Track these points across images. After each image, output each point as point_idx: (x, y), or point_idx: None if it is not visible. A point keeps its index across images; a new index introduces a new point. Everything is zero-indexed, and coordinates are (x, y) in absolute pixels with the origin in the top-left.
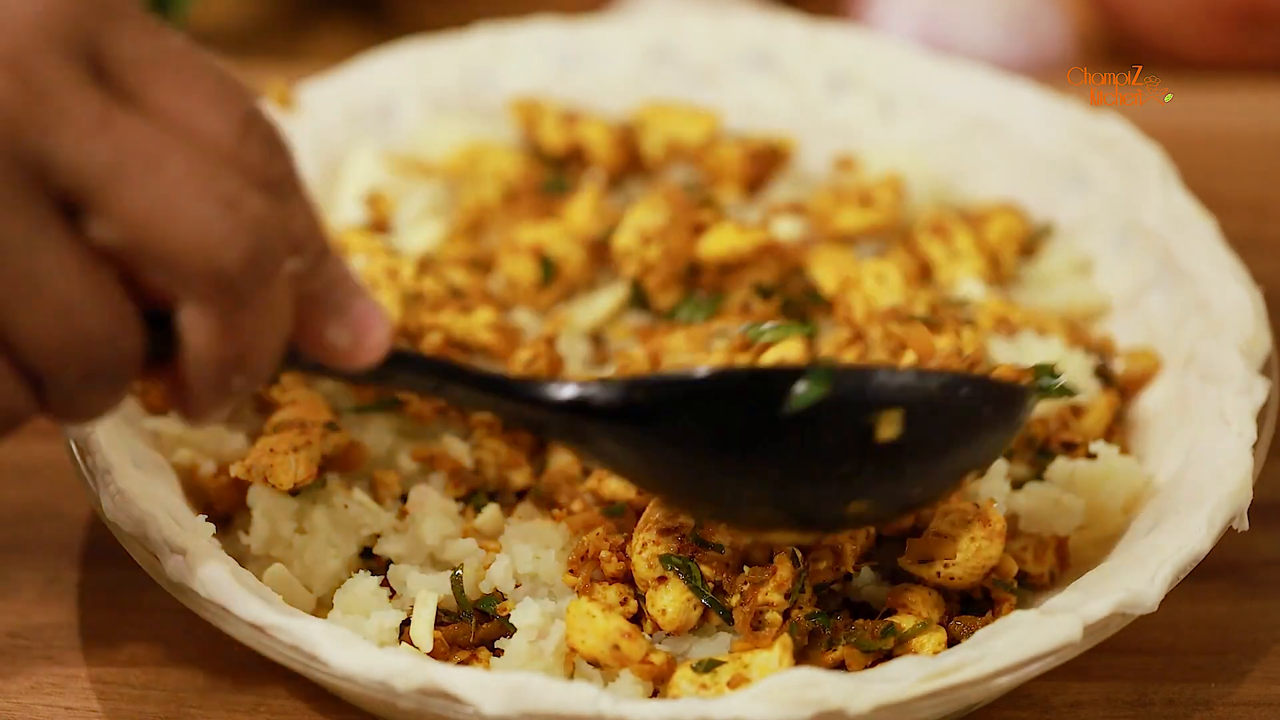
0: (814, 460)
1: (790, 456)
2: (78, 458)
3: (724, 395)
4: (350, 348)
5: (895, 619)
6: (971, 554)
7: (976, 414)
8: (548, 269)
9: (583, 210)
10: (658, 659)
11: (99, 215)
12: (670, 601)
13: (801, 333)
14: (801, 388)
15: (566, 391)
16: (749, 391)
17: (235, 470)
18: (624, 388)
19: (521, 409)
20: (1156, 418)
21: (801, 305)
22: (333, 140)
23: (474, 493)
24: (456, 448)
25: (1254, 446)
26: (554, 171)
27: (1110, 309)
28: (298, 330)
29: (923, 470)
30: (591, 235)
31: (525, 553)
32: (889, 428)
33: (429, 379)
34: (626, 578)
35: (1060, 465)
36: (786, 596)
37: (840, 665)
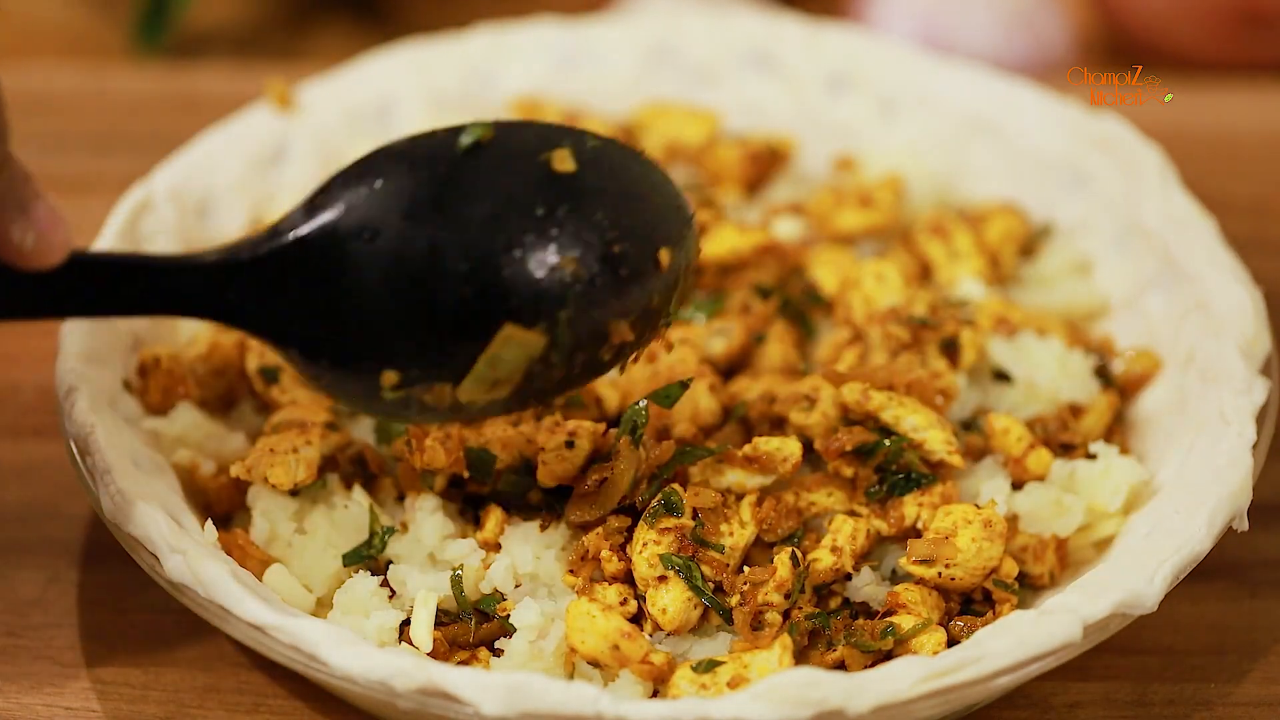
0: (508, 208)
1: (482, 204)
2: (78, 458)
3: (407, 159)
4: (35, 245)
5: (895, 619)
6: (973, 554)
7: (639, 167)
8: None
9: None
10: (658, 659)
11: None
12: (670, 601)
13: None
14: (468, 133)
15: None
16: (430, 151)
17: (235, 470)
18: (306, 203)
19: (178, 294)
20: (1156, 418)
21: (801, 305)
22: (333, 140)
23: (473, 495)
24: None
25: (1254, 447)
26: None
27: (1110, 309)
28: None
29: (610, 215)
30: None
31: (525, 553)
32: (564, 162)
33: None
34: (626, 578)
35: (1060, 465)
36: (786, 596)
37: (840, 665)
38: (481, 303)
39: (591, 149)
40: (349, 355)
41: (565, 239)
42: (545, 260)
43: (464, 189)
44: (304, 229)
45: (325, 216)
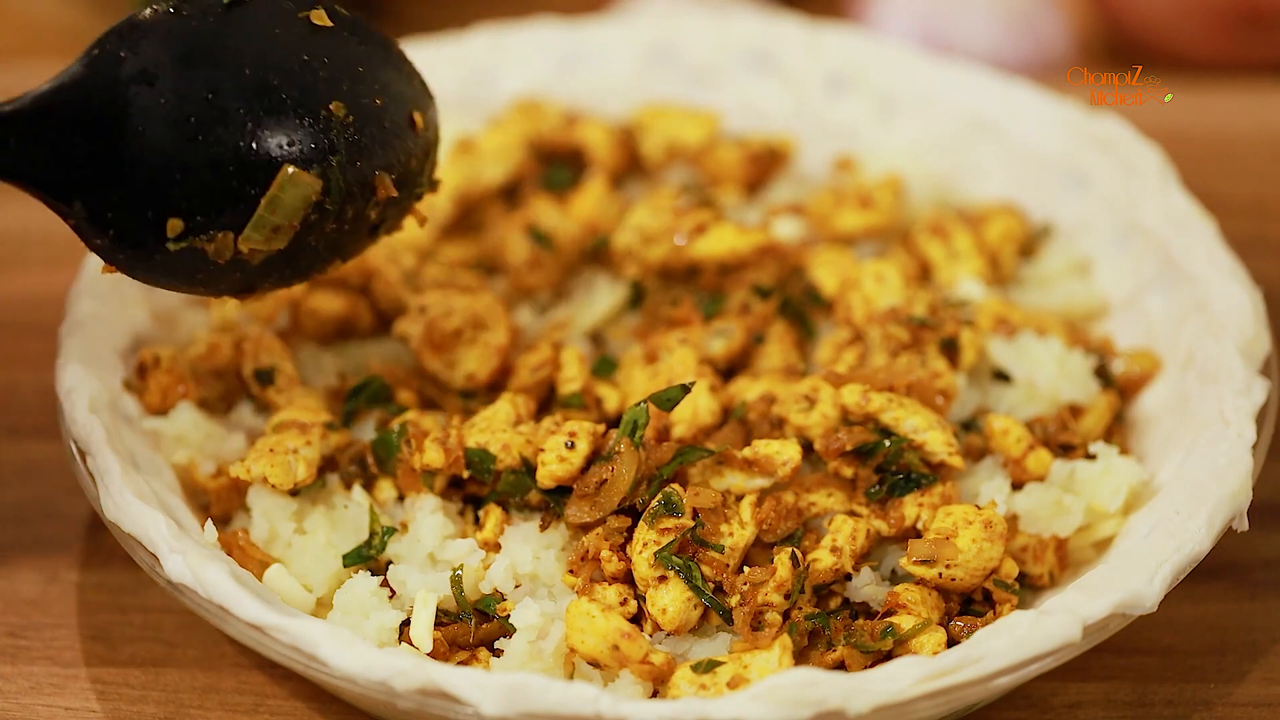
0: (277, 56)
1: (253, 52)
2: (77, 458)
3: (176, 13)
4: None
5: (895, 619)
6: (973, 555)
7: (386, 42)
8: (541, 240)
9: (588, 200)
10: (658, 659)
11: None
12: (670, 601)
13: None
14: None
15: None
16: (197, 6)
17: (234, 470)
18: (84, 55)
19: None
20: (1156, 418)
21: (801, 306)
22: None
23: (473, 495)
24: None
25: (1253, 447)
26: (555, 170)
27: (1110, 309)
28: None
29: (368, 71)
30: (593, 219)
31: (525, 553)
32: (321, 19)
33: None
34: (626, 578)
35: (1060, 466)
36: (786, 597)
37: (840, 665)
38: (262, 144)
39: (343, 15)
40: (135, 203)
41: (332, 87)
42: (317, 104)
43: (234, 39)
44: (84, 76)
45: (104, 64)
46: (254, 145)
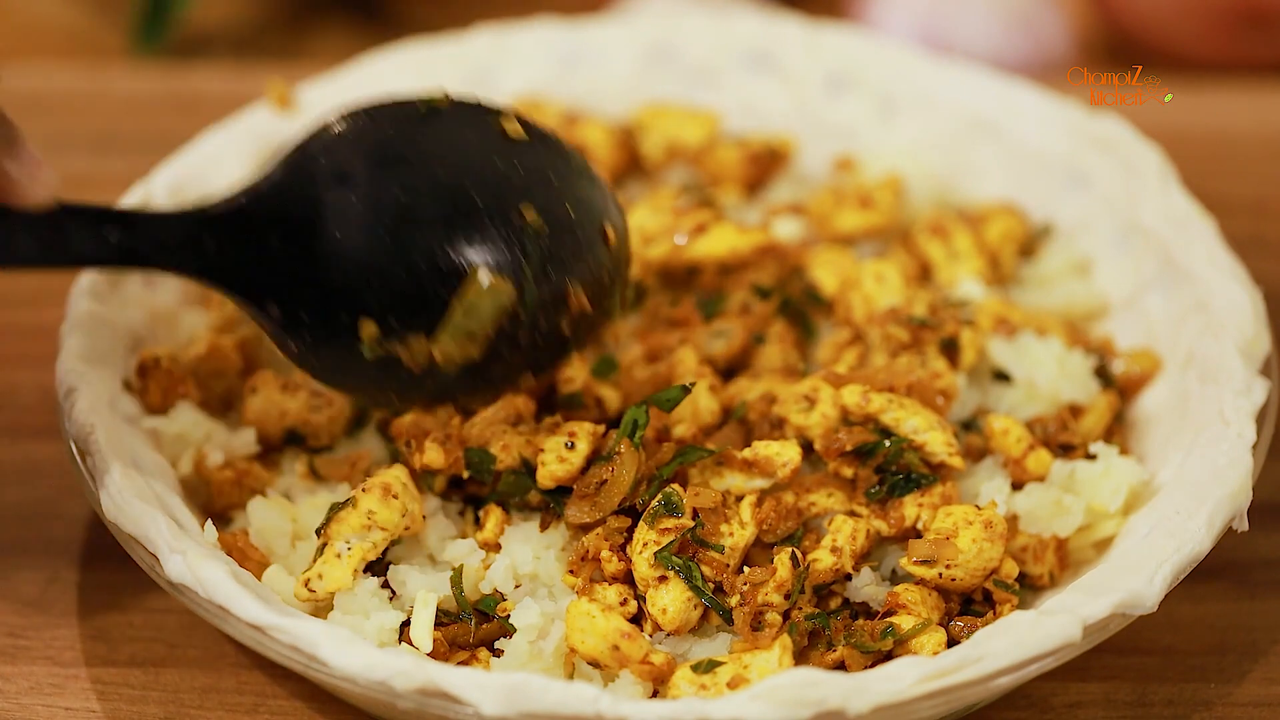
0: (471, 159)
1: (448, 157)
2: (78, 458)
3: (372, 118)
4: (25, 179)
5: (895, 619)
6: (973, 555)
7: (579, 156)
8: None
9: None
10: (658, 659)
11: None
12: (670, 601)
13: None
14: (425, 99)
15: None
16: (393, 112)
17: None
18: (281, 158)
19: (157, 244)
20: (1156, 418)
21: (801, 306)
22: None
23: (473, 495)
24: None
25: (1253, 447)
26: None
27: (1110, 309)
28: None
29: (560, 181)
30: None
31: (525, 553)
32: (515, 129)
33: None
34: (626, 578)
35: (1060, 466)
36: (786, 597)
37: (840, 666)
38: (455, 248)
39: (535, 127)
40: (328, 304)
41: (525, 194)
42: (510, 210)
43: (429, 143)
44: (280, 178)
45: (300, 166)
46: (447, 249)
